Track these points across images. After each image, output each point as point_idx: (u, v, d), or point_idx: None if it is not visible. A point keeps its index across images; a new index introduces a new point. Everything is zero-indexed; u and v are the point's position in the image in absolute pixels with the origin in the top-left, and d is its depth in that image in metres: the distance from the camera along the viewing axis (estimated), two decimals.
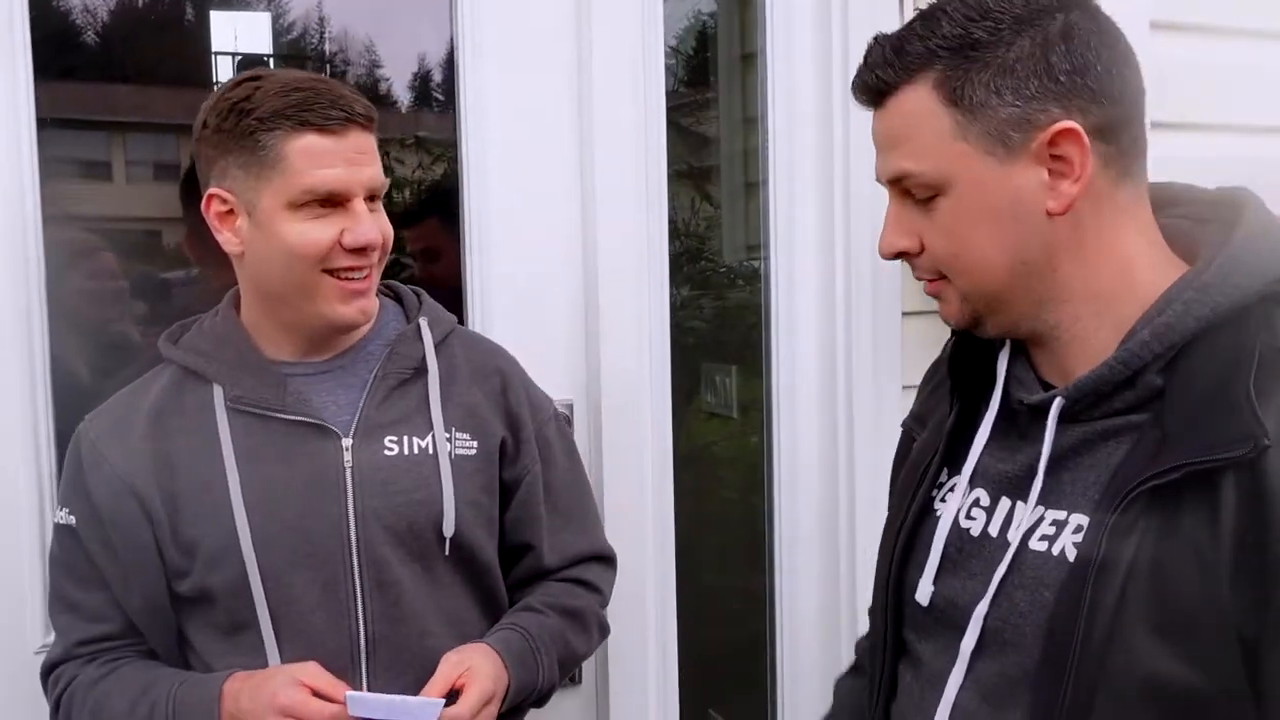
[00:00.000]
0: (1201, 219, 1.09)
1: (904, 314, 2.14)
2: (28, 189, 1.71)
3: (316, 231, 1.38)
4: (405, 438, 1.49)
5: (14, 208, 1.70)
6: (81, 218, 1.87)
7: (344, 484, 1.44)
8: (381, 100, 2.10)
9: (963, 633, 1.07)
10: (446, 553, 1.48)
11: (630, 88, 1.98)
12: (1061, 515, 1.03)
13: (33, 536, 1.72)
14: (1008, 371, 1.14)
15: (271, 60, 2.10)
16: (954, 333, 1.20)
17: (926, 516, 1.18)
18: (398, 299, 1.63)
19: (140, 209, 2.05)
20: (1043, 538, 1.04)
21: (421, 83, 2.12)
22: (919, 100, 1.04)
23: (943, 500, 1.18)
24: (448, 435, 1.50)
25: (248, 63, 2.04)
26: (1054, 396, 1.05)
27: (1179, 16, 1.80)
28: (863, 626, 2.17)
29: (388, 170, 1.48)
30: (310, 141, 1.36)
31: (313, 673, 1.36)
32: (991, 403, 1.15)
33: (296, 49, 2.14)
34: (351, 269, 1.42)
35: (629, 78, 1.98)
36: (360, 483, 1.45)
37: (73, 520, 1.45)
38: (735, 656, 2.42)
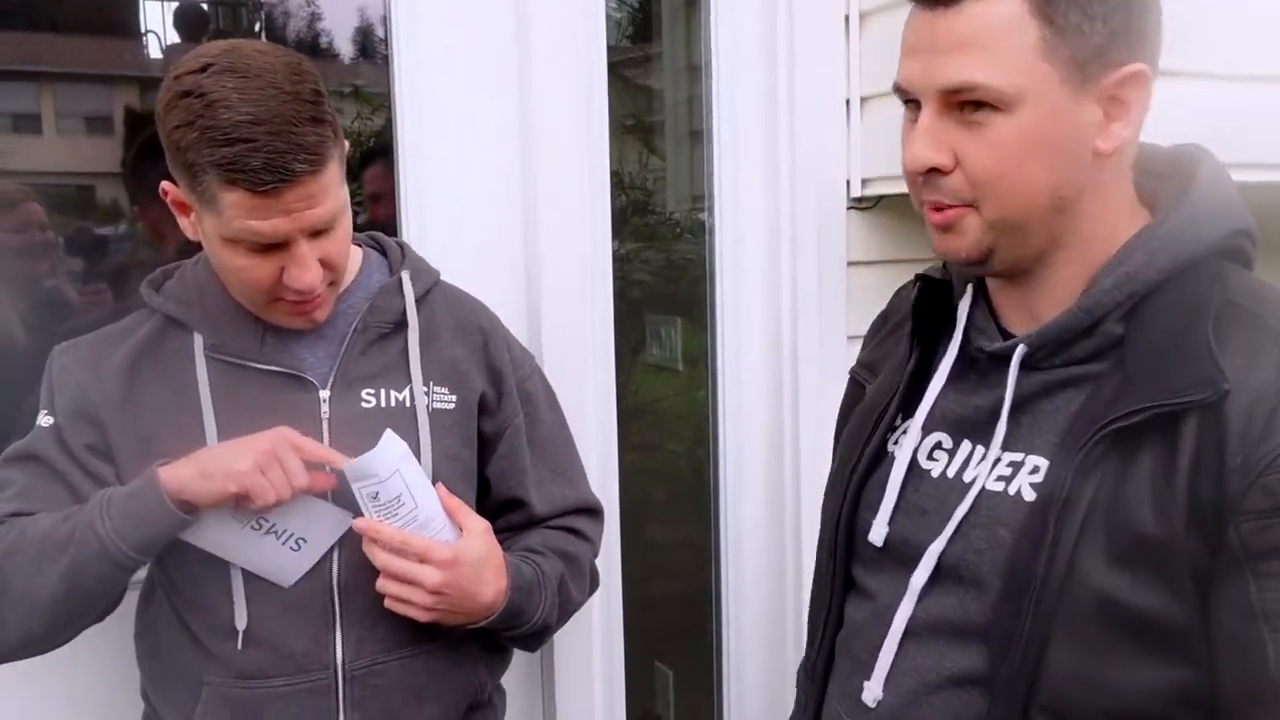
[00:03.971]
0: (1160, 174, 1.12)
1: (849, 264, 2.14)
2: None
3: (257, 269, 1.34)
4: (383, 390, 1.48)
5: None
6: (11, 172, 1.82)
7: (320, 435, 1.43)
8: (321, 52, 2.06)
9: (914, 568, 1.10)
10: None
11: (570, 36, 1.94)
12: (1018, 457, 1.06)
13: None
14: (969, 317, 1.16)
15: (207, 6, 2.05)
16: (917, 278, 1.22)
17: (880, 459, 1.21)
18: (381, 250, 1.61)
19: (72, 162, 2.00)
20: (999, 479, 1.07)
21: (361, 34, 2.07)
22: (1007, 7, 0.99)
23: (896, 443, 1.20)
24: (426, 389, 1.50)
25: (182, 12, 1.99)
26: (1016, 344, 1.08)
27: None
28: (808, 579, 2.18)
29: None
30: (241, 197, 1.27)
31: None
32: (950, 348, 1.16)
33: None
34: (298, 301, 1.39)
35: (569, 26, 1.94)
36: (337, 434, 1.44)
37: (50, 420, 1.44)
38: (680, 610, 2.42)
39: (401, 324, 1.51)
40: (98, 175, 1.95)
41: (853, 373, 1.37)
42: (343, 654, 1.44)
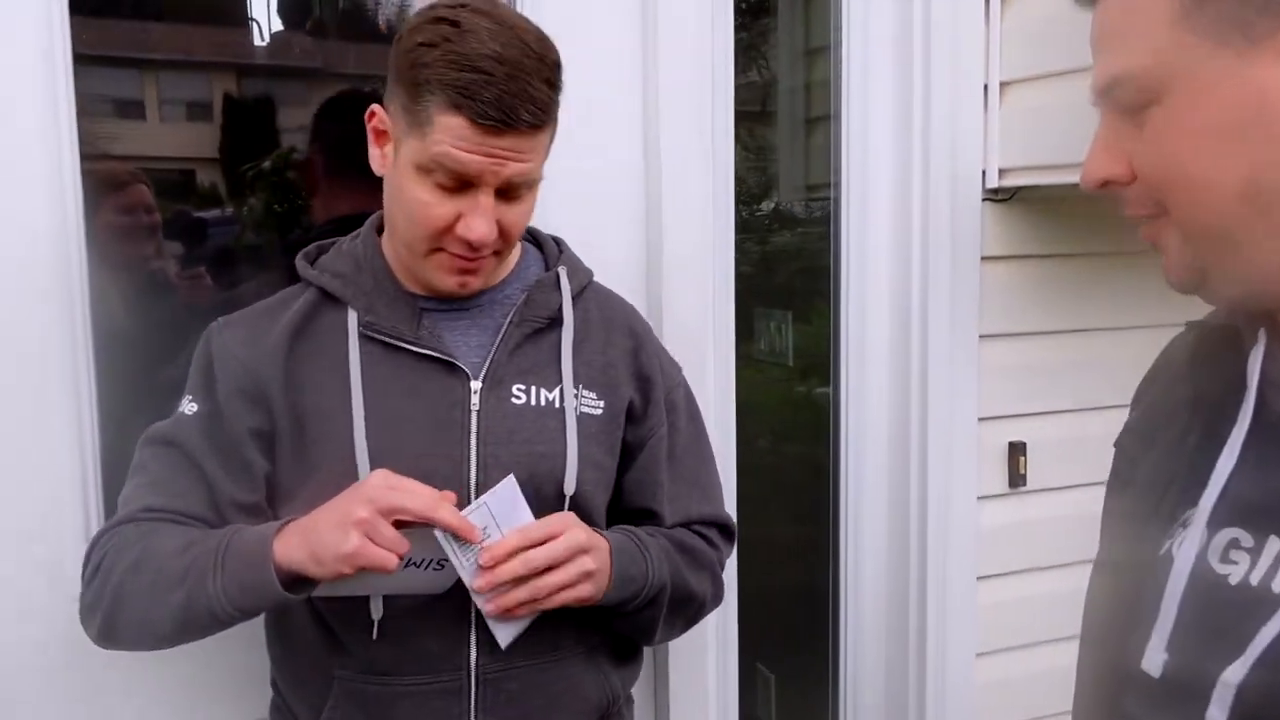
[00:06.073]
0: None
1: (983, 258, 2.08)
2: (64, 127, 1.63)
3: (437, 206, 1.34)
4: (533, 388, 1.46)
5: (50, 146, 1.62)
6: (115, 157, 1.82)
7: (469, 426, 1.41)
8: None
9: (1205, 706, 0.83)
10: (565, 509, 1.43)
11: (695, 19, 1.88)
12: None
13: (72, 467, 1.66)
14: (1262, 372, 0.89)
15: None
16: (1189, 326, 0.99)
17: (1158, 562, 0.93)
18: (538, 244, 1.60)
19: (173, 148, 2.00)
20: None
21: None
22: None
23: (1175, 540, 0.92)
24: (575, 391, 1.47)
25: (286, 1, 1.97)
26: None
27: None
28: (934, 586, 2.11)
29: None
30: (459, 124, 1.29)
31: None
32: (1241, 415, 0.88)
33: None
34: (462, 256, 1.37)
35: (695, 9, 1.88)
36: (485, 427, 1.42)
37: (195, 408, 1.42)
38: (785, 611, 2.39)
39: (556, 320, 1.49)
40: (198, 160, 1.96)
41: (1118, 444, 1.10)
42: (476, 656, 1.41)
